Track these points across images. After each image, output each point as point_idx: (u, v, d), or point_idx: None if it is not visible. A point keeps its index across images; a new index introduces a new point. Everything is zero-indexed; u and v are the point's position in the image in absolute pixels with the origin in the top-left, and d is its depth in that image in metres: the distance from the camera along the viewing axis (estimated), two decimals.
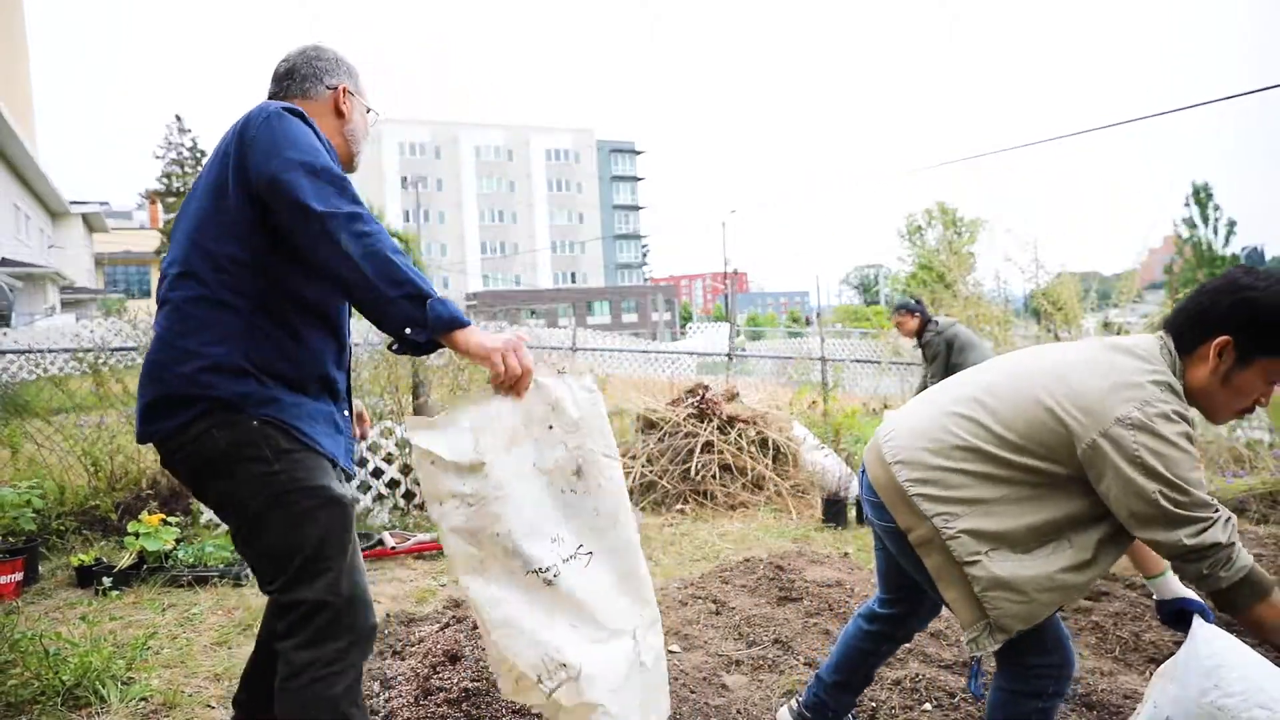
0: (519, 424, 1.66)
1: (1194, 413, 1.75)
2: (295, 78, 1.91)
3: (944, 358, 5.86)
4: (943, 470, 1.80)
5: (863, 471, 2.03)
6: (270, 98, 1.91)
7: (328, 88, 1.91)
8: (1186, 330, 1.72)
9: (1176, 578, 1.97)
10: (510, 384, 1.65)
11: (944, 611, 3.36)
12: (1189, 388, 1.70)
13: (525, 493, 1.65)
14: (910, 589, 2.05)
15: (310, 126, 1.70)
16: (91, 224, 33.19)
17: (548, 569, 1.64)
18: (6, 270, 17.78)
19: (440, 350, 1.71)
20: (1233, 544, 1.58)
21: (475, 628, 2.98)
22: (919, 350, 6.33)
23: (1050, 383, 1.73)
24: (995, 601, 1.73)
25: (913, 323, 6.14)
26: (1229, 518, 1.59)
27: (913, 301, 6.34)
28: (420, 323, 1.55)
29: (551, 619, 1.63)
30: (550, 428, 1.68)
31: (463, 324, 1.58)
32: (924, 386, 6.13)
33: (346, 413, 1.89)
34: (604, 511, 1.73)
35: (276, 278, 1.67)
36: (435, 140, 65.33)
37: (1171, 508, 1.57)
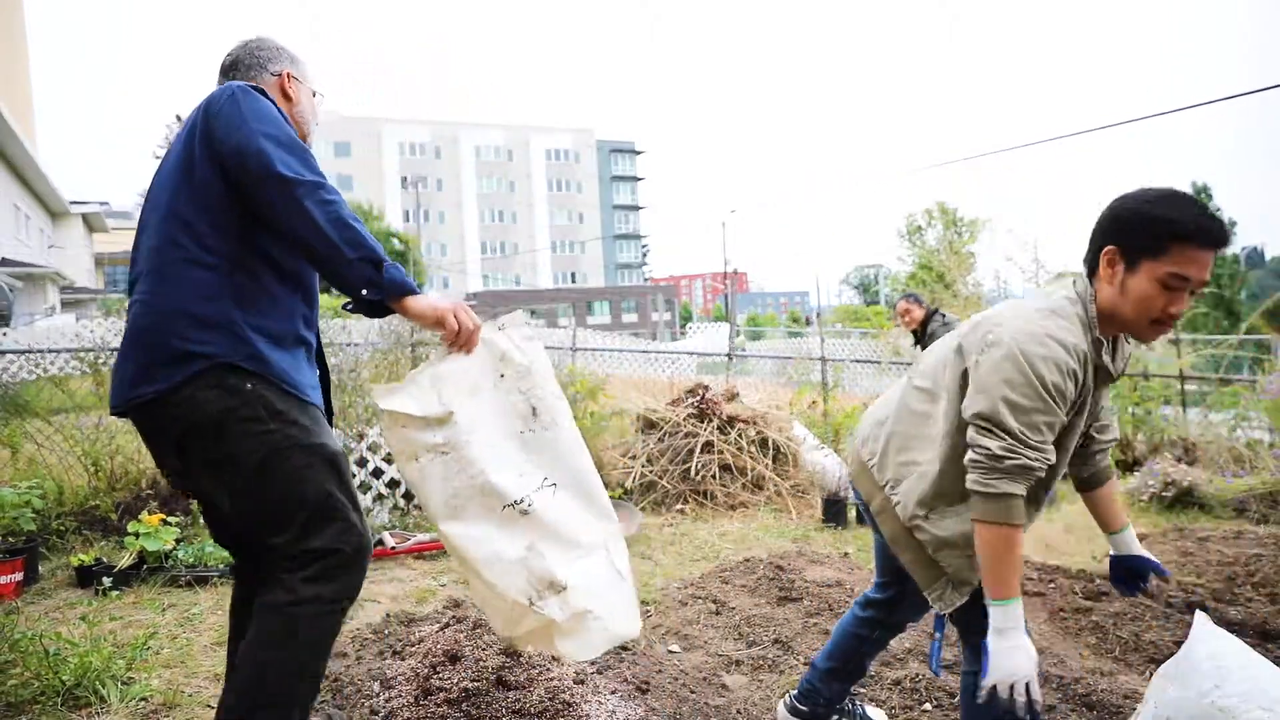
0: (476, 376, 1.82)
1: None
2: (240, 68, 2.01)
3: None
4: (887, 437, 1.96)
5: None
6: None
7: (272, 74, 2.01)
8: (1088, 257, 1.78)
9: (1134, 534, 2.06)
10: (463, 341, 1.81)
11: None
12: (1103, 311, 1.74)
13: (491, 435, 1.81)
14: (899, 570, 2.07)
15: (271, 102, 1.79)
16: (91, 224, 33.16)
17: (521, 500, 1.80)
18: (6, 270, 17.78)
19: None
20: (1008, 469, 1.63)
21: (475, 627, 2.98)
22: (917, 347, 6.28)
23: (967, 327, 1.84)
24: (945, 559, 1.83)
25: (919, 312, 6.11)
26: (1025, 461, 1.63)
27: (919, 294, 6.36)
28: (377, 284, 1.68)
29: (534, 543, 1.80)
30: (502, 376, 1.85)
31: (413, 291, 1.73)
32: None
33: (318, 374, 1.97)
34: (562, 445, 1.90)
35: (249, 241, 1.75)
36: (435, 140, 65.31)
37: (987, 423, 1.65)
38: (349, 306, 1.77)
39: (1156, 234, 1.64)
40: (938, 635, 1.98)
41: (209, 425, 1.69)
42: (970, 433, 1.69)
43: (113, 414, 1.81)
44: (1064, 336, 1.67)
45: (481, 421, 1.80)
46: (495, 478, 1.78)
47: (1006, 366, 1.64)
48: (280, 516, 1.73)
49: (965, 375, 1.76)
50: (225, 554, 4.00)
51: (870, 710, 2.48)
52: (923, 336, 6.11)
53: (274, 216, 1.68)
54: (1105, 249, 1.72)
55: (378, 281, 1.68)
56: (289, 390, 1.76)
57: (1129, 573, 2.06)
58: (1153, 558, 2.02)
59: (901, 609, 2.23)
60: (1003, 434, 1.63)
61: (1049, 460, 1.66)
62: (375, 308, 1.74)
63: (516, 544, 1.78)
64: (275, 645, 1.70)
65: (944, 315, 6.06)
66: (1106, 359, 1.75)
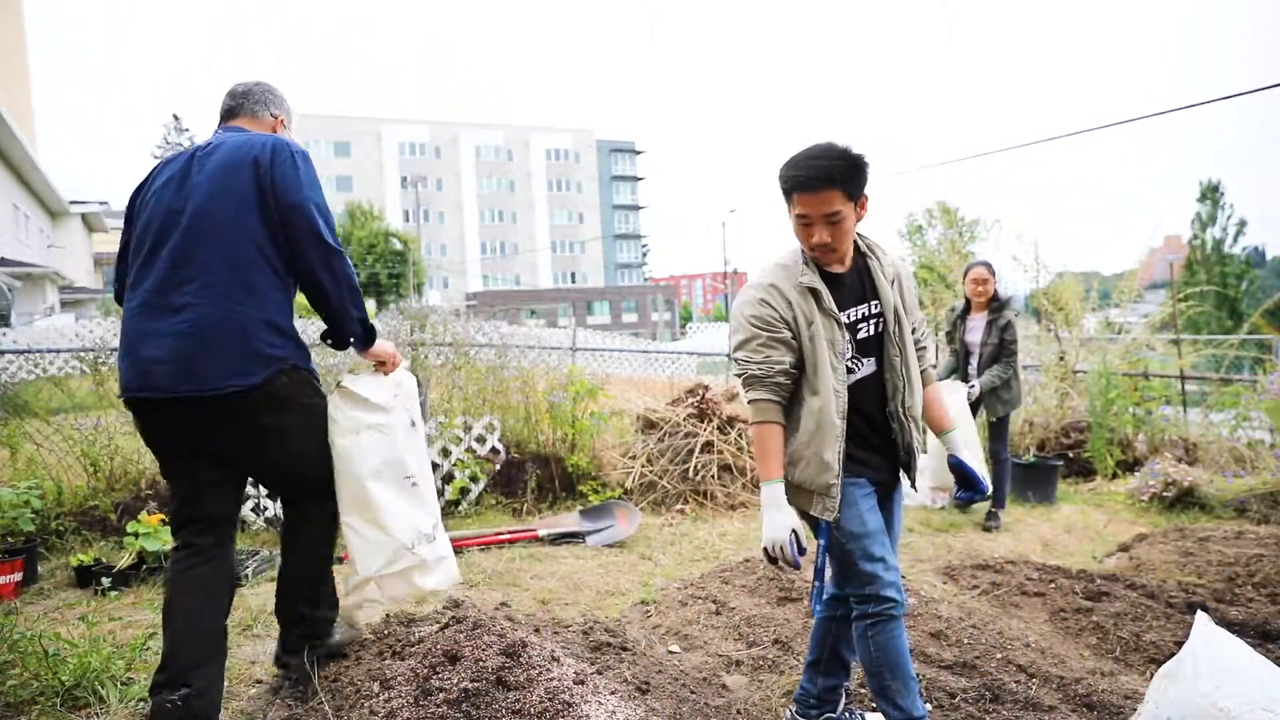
0: (389, 389, 2.67)
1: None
2: (250, 99, 2.61)
3: (1012, 347, 5.03)
4: None
5: None
6: (226, 111, 2.60)
7: (272, 114, 2.64)
8: None
9: (957, 435, 2.39)
10: (389, 371, 2.68)
11: (943, 612, 3.36)
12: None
13: (400, 428, 2.66)
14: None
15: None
16: (91, 224, 33.16)
17: (412, 476, 2.67)
18: (6, 270, 17.76)
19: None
20: (745, 381, 2.15)
21: (475, 627, 2.98)
22: (965, 328, 5.27)
23: None
24: (798, 477, 2.16)
25: (994, 287, 5.10)
26: (751, 372, 2.13)
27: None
28: (364, 341, 2.54)
29: (416, 506, 2.66)
30: (396, 395, 2.68)
31: (377, 337, 2.58)
32: (999, 375, 5.06)
33: None
34: (424, 447, 2.81)
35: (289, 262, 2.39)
36: (435, 140, 65.29)
37: (733, 357, 2.20)
38: (328, 341, 2.48)
39: (782, 189, 2.12)
40: (817, 583, 2.28)
41: (278, 403, 2.33)
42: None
43: (194, 390, 2.22)
44: (757, 281, 2.20)
45: (397, 418, 2.64)
46: (404, 455, 2.64)
47: (731, 323, 2.19)
48: (316, 462, 2.53)
49: None
50: None
51: (870, 717, 2.47)
52: (994, 320, 5.13)
53: (304, 266, 2.32)
54: None
55: (364, 339, 2.53)
56: (319, 386, 2.54)
57: (960, 476, 2.32)
58: (972, 467, 2.31)
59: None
60: (736, 362, 2.18)
61: (776, 366, 2.11)
62: (340, 345, 2.50)
63: (409, 505, 2.64)
64: (320, 544, 2.65)
65: (1010, 301, 5.24)
66: (811, 281, 2.13)
